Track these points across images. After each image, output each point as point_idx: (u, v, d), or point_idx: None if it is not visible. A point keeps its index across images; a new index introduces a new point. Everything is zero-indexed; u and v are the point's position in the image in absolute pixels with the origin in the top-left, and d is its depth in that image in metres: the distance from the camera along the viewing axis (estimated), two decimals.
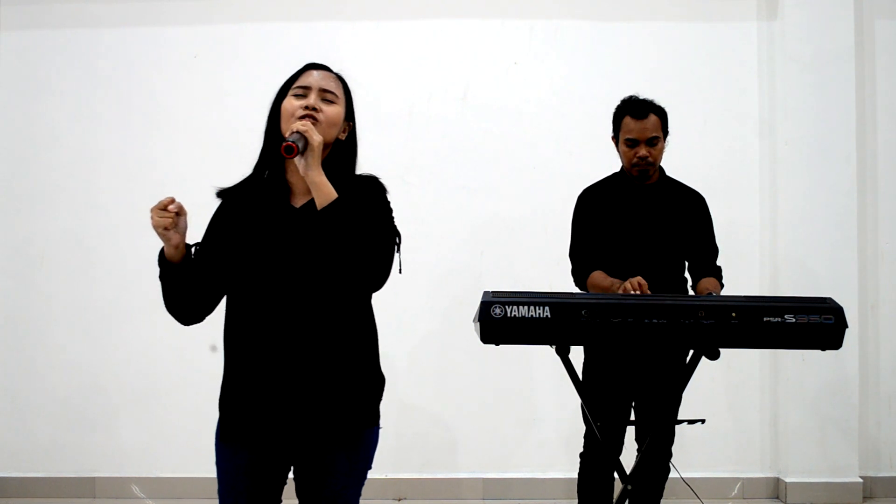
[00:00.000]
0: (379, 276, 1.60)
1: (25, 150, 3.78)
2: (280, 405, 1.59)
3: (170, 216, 1.56)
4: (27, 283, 3.76)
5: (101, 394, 3.71)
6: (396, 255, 1.65)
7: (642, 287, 2.24)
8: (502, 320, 1.86)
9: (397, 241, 1.65)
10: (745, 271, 3.60)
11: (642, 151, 2.55)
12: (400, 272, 1.68)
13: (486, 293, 1.91)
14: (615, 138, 2.65)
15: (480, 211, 3.72)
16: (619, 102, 2.65)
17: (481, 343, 1.92)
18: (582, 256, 2.63)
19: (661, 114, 2.59)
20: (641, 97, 2.62)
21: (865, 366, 3.66)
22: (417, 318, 3.67)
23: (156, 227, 1.57)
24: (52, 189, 3.76)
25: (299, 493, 1.71)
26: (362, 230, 1.55)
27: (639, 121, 2.55)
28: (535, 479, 3.65)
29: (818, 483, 3.55)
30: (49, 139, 3.77)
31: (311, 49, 3.66)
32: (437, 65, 3.76)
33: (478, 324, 1.89)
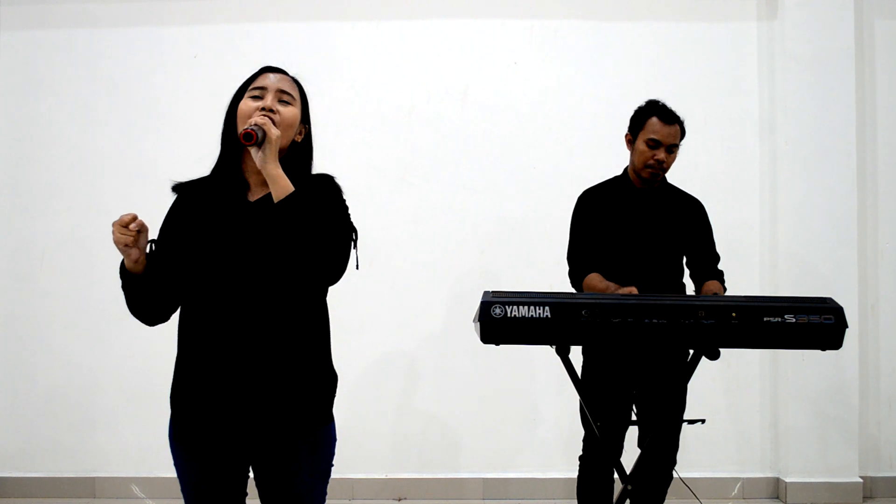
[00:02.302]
0: (335, 269, 1.59)
1: (25, 150, 3.78)
2: (230, 403, 1.58)
3: (131, 234, 1.57)
4: (27, 283, 3.76)
5: (101, 394, 3.72)
6: (353, 250, 1.65)
7: None
8: (502, 320, 1.86)
9: (354, 236, 1.65)
10: (745, 271, 3.61)
11: (661, 155, 2.56)
12: (357, 268, 1.67)
13: (486, 293, 1.91)
14: (631, 137, 2.64)
15: (480, 211, 3.71)
16: (642, 103, 2.65)
17: (481, 343, 1.92)
18: (579, 259, 2.63)
19: (682, 126, 2.62)
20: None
21: (865, 366, 3.66)
22: (417, 318, 3.66)
23: (116, 243, 1.58)
24: (52, 189, 3.76)
25: (262, 495, 1.69)
26: (318, 223, 1.54)
27: (666, 125, 2.56)
28: (535, 479, 3.65)
29: (818, 483, 3.55)
30: (49, 139, 3.77)
31: (311, 49, 3.71)
32: (437, 65, 3.76)
33: (478, 324, 1.89)
